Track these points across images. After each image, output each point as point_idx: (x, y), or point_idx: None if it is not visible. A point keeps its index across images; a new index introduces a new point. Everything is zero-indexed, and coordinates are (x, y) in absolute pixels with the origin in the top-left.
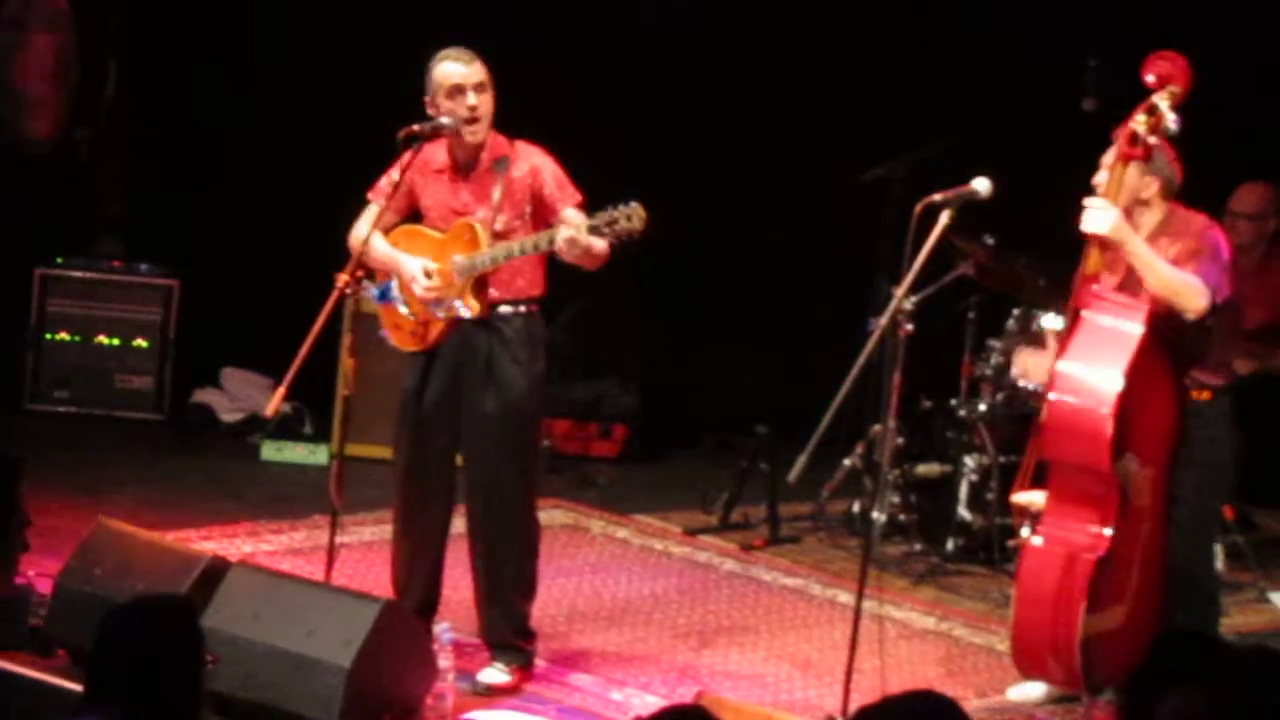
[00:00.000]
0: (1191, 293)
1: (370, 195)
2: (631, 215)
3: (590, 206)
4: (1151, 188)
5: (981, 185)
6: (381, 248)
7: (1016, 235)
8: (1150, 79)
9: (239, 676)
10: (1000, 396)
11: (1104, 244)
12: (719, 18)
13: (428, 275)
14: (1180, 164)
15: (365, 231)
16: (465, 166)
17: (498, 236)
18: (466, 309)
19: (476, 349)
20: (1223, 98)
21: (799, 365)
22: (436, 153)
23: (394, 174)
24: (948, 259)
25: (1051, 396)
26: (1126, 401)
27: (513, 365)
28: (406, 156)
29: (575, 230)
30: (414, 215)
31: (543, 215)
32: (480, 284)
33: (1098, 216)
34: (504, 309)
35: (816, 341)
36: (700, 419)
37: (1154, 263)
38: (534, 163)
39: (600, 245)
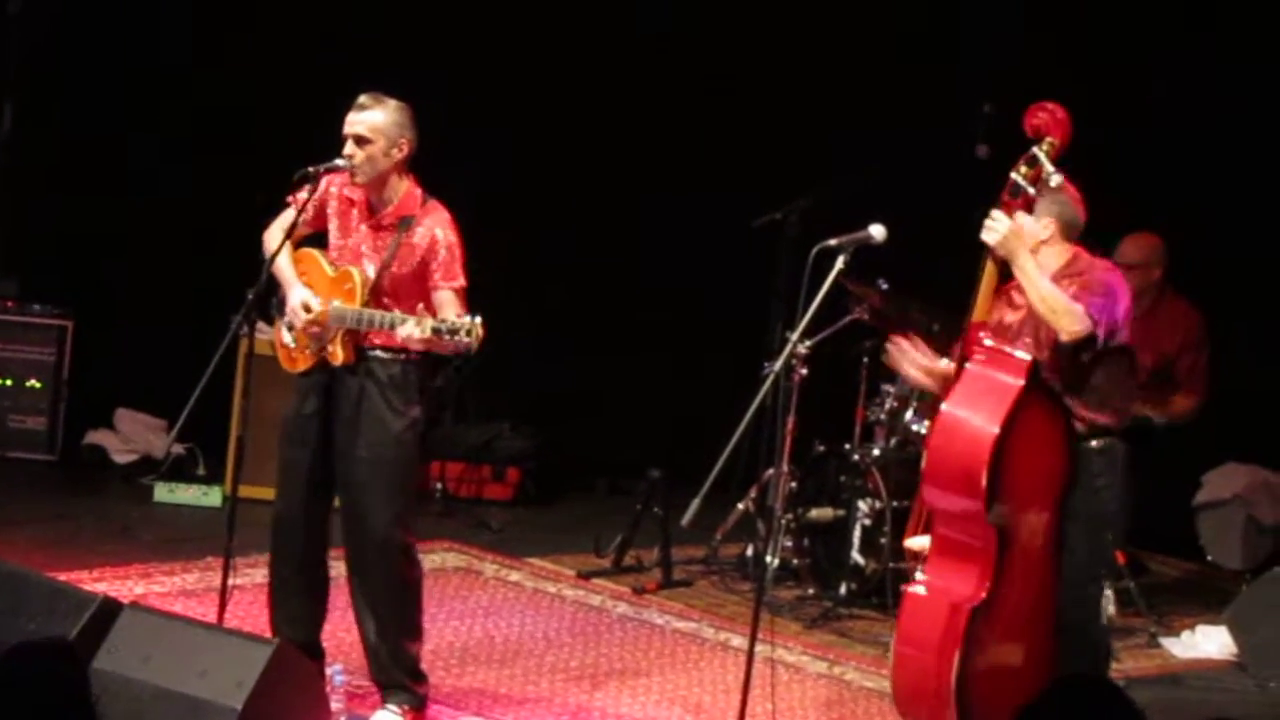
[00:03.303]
0: (1069, 314)
1: (290, 200)
2: (471, 330)
3: (484, 251)
4: (1050, 229)
5: (876, 231)
6: (282, 263)
7: (910, 281)
8: (1029, 130)
9: (129, 719)
10: (893, 441)
11: (1002, 288)
12: (626, 62)
13: (306, 310)
14: (1083, 205)
15: (277, 240)
16: (372, 210)
17: (380, 293)
18: (331, 356)
19: (349, 391)
20: (1113, 147)
21: (693, 409)
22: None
23: (310, 196)
24: (842, 304)
25: (930, 445)
26: (1008, 454)
27: (385, 409)
28: (303, 195)
29: (419, 336)
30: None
31: (423, 282)
32: (352, 332)
33: (992, 226)
34: (381, 354)
35: (710, 385)
36: (594, 462)
37: (1037, 279)
38: (435, 233)
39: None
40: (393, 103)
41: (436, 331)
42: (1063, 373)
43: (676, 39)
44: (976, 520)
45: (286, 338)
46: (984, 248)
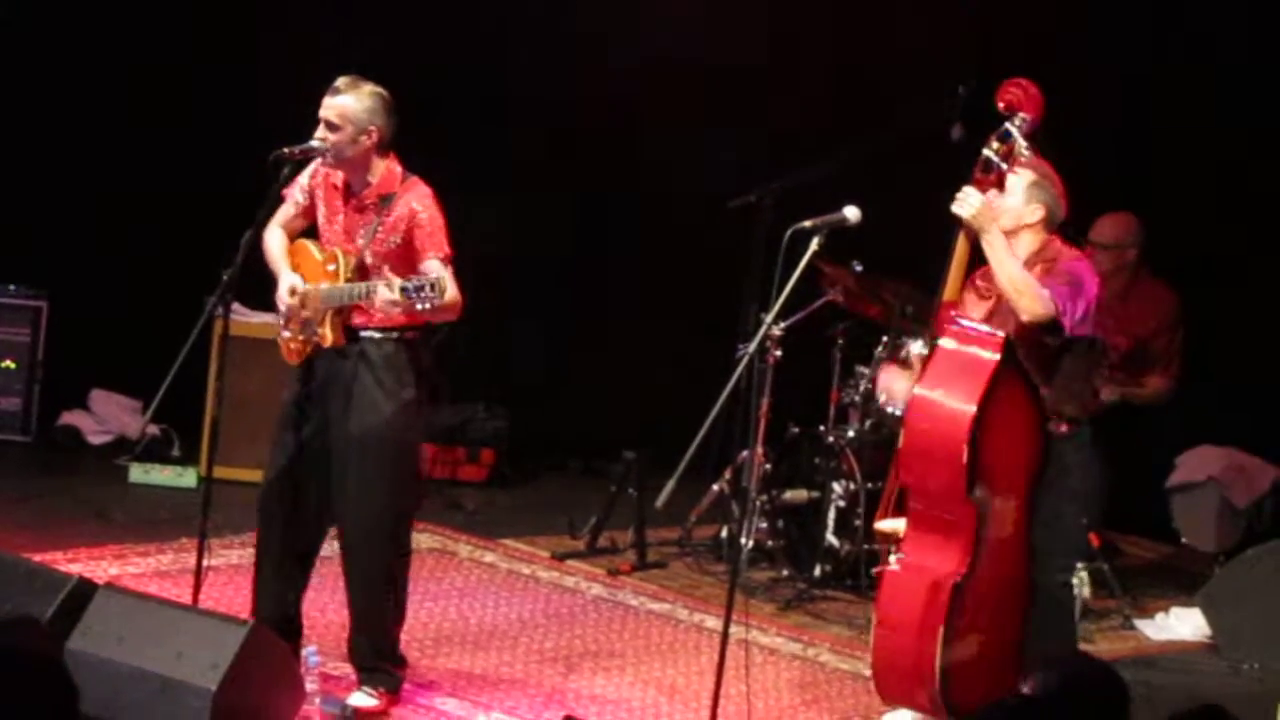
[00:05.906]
0: (1033, 296)
1: (285, 192)
2: (437, 284)
3: (463, 223)
4: (1038, 213)
5: (851, 212)
6: (273, 251)
7: (885, 262)
8: (1001, 106)
9: (105, 699)
10: (868, 423)
11: (969, 278)
12: (598, 44)
13: (292, 293)
14: (1066, 200)
15: (273, 233)
16: (353, 192)
17: (366, 270)
18: (321, 339)
19: (342, 372)
20: (1086, 126)
21: (667, 390)
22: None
23: (301, 181)
24: (816, 285)
25: (908, 424)
26: (984, 431)
27: (377, 390)
28: (292, 180)
29: (390, 297)
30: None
31: (410, 257)
32: (340, 313)
33: (964, 200)
34: (373, 334)
35: (685, 367)
36: (568, 443)
37: (1005, 257)
38: (414, 206)
39: (419, 307)
40: (367, 88)
41: (405, 291)
42: (1030, 360)
43: (650, 21)
44: (957, 498)
45: (282, 328)
46: (956, 224)
